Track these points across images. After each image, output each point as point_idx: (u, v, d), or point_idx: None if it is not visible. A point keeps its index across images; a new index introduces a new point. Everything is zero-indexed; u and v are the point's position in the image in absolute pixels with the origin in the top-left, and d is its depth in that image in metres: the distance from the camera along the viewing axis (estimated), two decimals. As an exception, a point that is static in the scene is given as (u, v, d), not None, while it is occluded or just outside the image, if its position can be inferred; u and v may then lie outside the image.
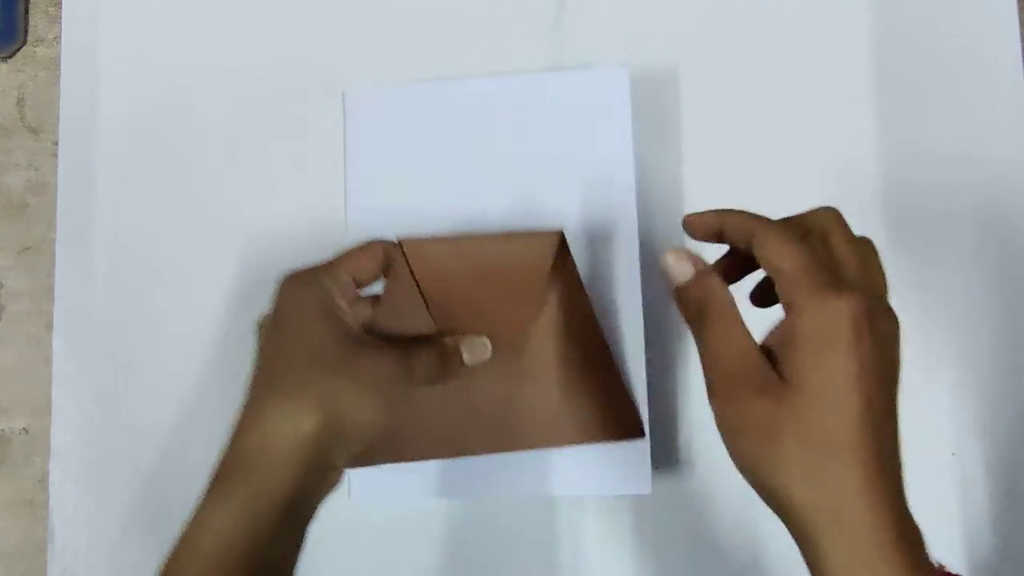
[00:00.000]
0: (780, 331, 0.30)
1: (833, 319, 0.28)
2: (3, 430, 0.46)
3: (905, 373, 0.46)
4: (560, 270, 0.41)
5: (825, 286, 0.28)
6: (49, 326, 0.46)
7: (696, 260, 0.32)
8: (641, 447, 0.43)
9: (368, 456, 0.41)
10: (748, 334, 0.30)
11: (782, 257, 0.29)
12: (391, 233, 0.42)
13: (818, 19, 0.48)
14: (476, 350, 0.40)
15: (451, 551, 0.45)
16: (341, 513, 0.43)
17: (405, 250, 0.39)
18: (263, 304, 0.46)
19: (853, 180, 0.47)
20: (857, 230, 0.30)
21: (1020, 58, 0.48)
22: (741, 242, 0.32)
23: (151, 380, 0.45)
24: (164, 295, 0.46)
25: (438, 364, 0.38)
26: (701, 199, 0.47)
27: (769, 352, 0.29)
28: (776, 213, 0.32)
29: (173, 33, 0.48)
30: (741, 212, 0.32)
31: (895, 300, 0.31)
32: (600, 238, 0.45)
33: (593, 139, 0.46)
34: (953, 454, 0.46)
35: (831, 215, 0.32)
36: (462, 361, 0.40)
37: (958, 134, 0.48)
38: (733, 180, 0.47)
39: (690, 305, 0.32)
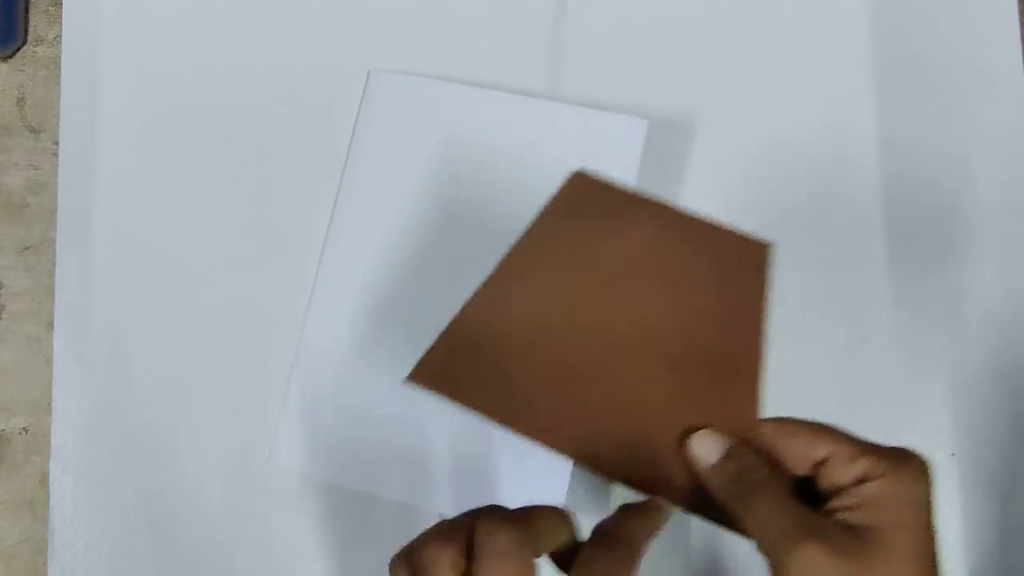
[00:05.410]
0: (849, 497, 0.31)
1: (913, 483, 0.30)
2: (3, 430, 0.46)
3: (905, 373, 0.46)
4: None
5: (892, 454, 0.31)
6: (49, 326, 0.46)
7: (724, 439, 0.33)
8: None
9: None
10: (796, 499, 0.31)
11: (835, 441, 0.31)
12: (378, 227, 0.41)
13: (818, 35, 0.49)
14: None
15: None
16: (341, 505, 0.43)
17: None
18: (262, 303, 0.46)
19: (852, 180, 0.47)
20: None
21: (1021, 57, 0.48)
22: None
23: (151, 380, 0.45)
24: (164, 295, 0.46)
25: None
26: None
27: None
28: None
29: (174, 33, 0.48)
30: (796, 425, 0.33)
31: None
32: None
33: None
34: (953, 454, 0.46)
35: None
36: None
37: (959, 134, 0.48)
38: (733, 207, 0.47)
39: (728, 483, 0.32)
